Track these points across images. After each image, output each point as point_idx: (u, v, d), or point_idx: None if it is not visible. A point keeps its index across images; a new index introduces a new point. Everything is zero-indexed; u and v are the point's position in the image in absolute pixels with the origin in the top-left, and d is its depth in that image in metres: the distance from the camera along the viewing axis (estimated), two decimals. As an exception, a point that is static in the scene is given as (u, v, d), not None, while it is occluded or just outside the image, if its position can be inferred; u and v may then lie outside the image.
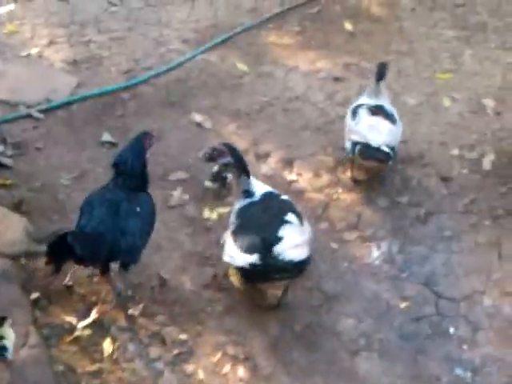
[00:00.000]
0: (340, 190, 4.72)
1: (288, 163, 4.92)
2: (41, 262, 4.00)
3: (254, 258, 3.73)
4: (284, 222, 3.87)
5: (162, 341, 3.78)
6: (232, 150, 4.13)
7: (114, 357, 3.65)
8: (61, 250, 3.60)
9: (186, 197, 4.69)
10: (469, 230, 4.43)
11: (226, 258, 3.91)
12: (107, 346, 3.68)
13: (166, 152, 5.01)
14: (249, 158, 4.92)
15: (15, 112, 5.28)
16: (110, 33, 6.18)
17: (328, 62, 5.82)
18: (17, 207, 4.37)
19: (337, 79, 5.64)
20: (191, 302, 4.01)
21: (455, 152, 4.96)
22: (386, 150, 4.49)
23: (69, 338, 3.66)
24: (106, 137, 5.11)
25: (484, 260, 4.26)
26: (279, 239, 3.78)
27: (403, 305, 4.05)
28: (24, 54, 5.87)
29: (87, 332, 3.71)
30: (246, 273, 3.82)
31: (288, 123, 5.22)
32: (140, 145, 4.09)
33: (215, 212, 4.58)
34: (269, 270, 3.77)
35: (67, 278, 3.98)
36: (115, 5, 6.53)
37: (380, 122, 4.62)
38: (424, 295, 4.10)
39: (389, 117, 4.66)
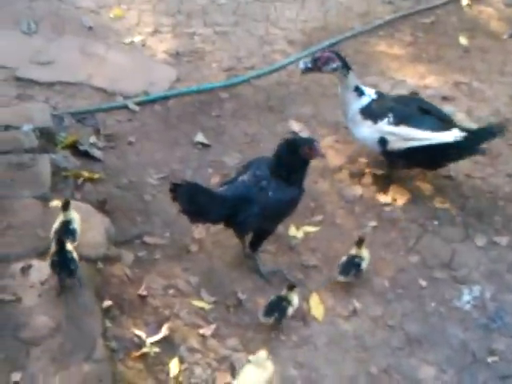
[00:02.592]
0: (436, 222, 4.45)
1: (382, 186, 4.67)
2: (118, 267, 3.91)
3: (455, 134, 4.27)
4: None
5: (231, 367, 3.63)
6: (339, 54, 4.52)
7: (180, 379, 3.52)
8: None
9: (274, 211, 4.50)
10: None
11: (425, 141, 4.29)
12: (174, 366, 3.55)
13: (257, 160, 4.83)
14: (342, 176, 4.74)
15: (111, 102, 5.20)
16: (216, 26, 6.06)
17: (438, 79, 5.53)
18: (101, 205, 4.28)
19: (445, 98, 5.35)
20: (266, 327, 3.84)
21: None
22: None
23: (136, 354, 3.54)
24: (200, 137, 4.99)
25: None
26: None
27: (491, 359, 3.79)
28: (127, 41, 5.80)
29: (155, 349, 3.58)
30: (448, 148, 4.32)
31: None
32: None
33: (301, 230, 4.39)
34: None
35: (142, 288, 3.87)
36: (224, -4, 6.39)
37: None
38: (514, 351, 3.82)
39: None
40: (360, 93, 4.58)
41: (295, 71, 5.54)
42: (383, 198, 4.60)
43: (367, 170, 4.74)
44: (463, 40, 5.93)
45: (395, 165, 4.60)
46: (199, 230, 4.28)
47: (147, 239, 4.20)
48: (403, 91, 5.35)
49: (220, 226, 4.11)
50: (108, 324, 3.62)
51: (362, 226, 4.42)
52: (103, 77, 5.38)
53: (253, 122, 5.15)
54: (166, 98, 5.27)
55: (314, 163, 4.73)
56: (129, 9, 6.14)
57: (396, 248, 4.32)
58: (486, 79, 5.53)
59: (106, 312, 3.68)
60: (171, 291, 3.93)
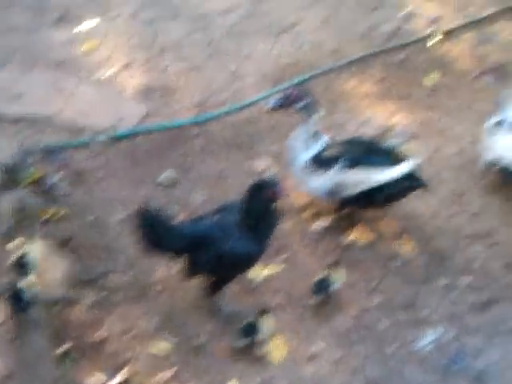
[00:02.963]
0: (399, 263, 4.47)
1: (346, 225, 4.69)
2: (78, 309, 3.90)
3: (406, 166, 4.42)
4: None
5: (190, 410, 3.62)
6: (309, 92, 4.51)
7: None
8: None
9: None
10: (531, 325, 4.14)
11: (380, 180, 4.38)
12: (132, 410, 3.54)
13: (223, 197, 4.83)
14: (306, 214, 4.76)
15: (80, 137, 5.21)
16: (188, 61, 6.08)
17: (406, 117, 5.57)
18: (64, 243, 4.29)
19: (413, 136, 5.38)
20: (225, 370, 3.84)
21: (527, 234, 4.65)
22: None
23: (93, 398, 3.54)
24: (167, 174, 4.99)
25: (544, 362, 3.96)
26: None
27: (449, 402, 3.80)
28: (98, 75, 5.81)
29: (114, 393, 3.58)
30: None
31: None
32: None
33: (265, 270, 4.40)
34: None
35: (102, 330, 3.87)
36: (198, 31, 6.41)
37: None
38: (474, 393, 3.83)
39: None
40: (314, 141, 4.56)
41: (265, 108, 5.57)
42: (347, 238, 4.61)
43: (331, 209, 4.75)
44: (432, 78, 5.97)
45: (349, 207, 4.63)
46: (162, 270, 4.28)
47: (110, 278, 4.20)
48: (371, 129, 5.38)
49: (182, 267, 4.11)
50: (66, 368, 3.60)
51: (326, 266, 4.41)
52: (72, 112, 5.40)
53: (221, 158, 5.17)
54: (134, 135, 5.28)
55: (278, 201, 4.77)
56: (101, 42, 6.16)
57: (359, 288, 4.33)
58: (454, 117, 5.57)
59: (65, 355, 3.67)
60: (132, 333, 3.92)
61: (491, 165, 4.82)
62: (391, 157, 4.55)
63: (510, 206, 4.84)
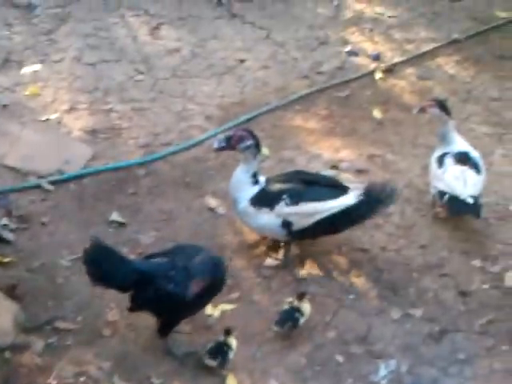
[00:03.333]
0: (352, 296, 4.47)
1: (299, 261, 4.68)
2: (27, 355, 3.80)
3: (354, 195, 4.51)
4: None
5: None
6: (252, 133, 4.49)
7: None
8: None
9: (190, 289, 4.46)
10: (485, 354, 4.15)
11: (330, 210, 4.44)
12: None
13: (173, 237, 4.82)
14: (258, 251, 4.74)
15: (24, 182, 5.13)
16: (133, 102, 6.05)
17: (352, 152, 5.62)
18: (10, 290, 4.19)
19: (359, 171, 5.41)
20: (180, 412, 3.77)
21: (477, 263, 4.70)
22: (472, 201, 4.66)
23: None
24: (115, 216, 4.94)
25: (498, 390, 3.97)
26: None
27: (407, 434, 3.78)
28: (43, 119, 5.75)
29: None
30: None
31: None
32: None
33: (218, 309, 4.35)
34: None
35: (52, 376, 3.77)
36: (141, 73, 6.41)
37: (466, 171, 4.77)
38: (430, 425, 3.82)
39: (475, 166, 4.84)
40: (255, 181, 4.56)
41: (212, 147, 5.57)
42: (300, 273, 4.60)
43: (283, 245, 4.74)
44: (377, 113, 6.05)
45: (298, 240, 4.63)
46: (112, 313, 4.21)
47: (59, 324, 4.13)
48: (319, 165, 5.41)
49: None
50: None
51: (280, 302, 4.39)
52: (17, 156, 5.32)
53: (169, 198, 5.13)
54: (81, 177, 5.22)
55: (229, 239, 4.77)
56: (45, 86, 6.10)
57: (313, 323, 4.31)
58: (399, 151, 5.63)
59: (14, 403, 3.57)
60: (82, 378, 3.84)
61: (439, 197, 4.86)
62: (335, 188, 4.59)
63: (457, 237, 4.89)
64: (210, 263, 3.93)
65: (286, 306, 4.20)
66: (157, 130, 5.77)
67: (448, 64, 6.67)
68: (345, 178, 5.00)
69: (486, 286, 4.54)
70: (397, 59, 6.67)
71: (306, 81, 6.39)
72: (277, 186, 4.56)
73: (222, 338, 4.00)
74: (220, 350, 3.98)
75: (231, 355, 3.97)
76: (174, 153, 5.52)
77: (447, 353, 4.16)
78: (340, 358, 4.13)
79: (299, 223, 4.48)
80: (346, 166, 5.45)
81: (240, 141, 4.55)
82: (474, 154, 5.00)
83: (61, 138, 5.59)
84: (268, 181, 4.63)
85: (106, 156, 5.46)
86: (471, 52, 6.80)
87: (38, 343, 3.94)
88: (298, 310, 4.16)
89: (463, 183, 4.78)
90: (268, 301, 4.43)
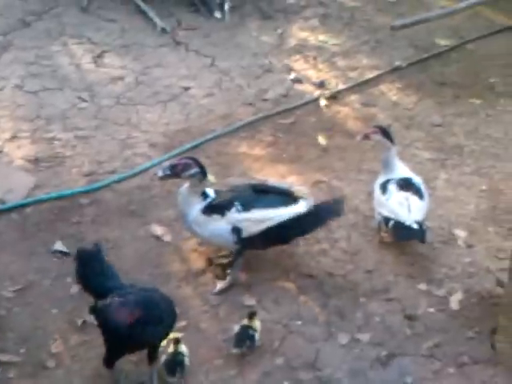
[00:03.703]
0: (299, 322, 4.45)
1: (246, 288, 4.65)
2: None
3: (305, 204, 4.60)
4: None
5: None
6: (197, 160, 4.56)
7: None
8: None
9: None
10: (432, 377, 4.16)
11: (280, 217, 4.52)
12: None
13: (119, 265, 4.68)
14: (206, 279, 4.71)
15: (-35, 212, 5.03)
16: (76, 131, 6.01)
17: (298, 178, 5.63)
18: (-49, 323, 4.07)
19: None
20: None
21: (423, 287, 4.72)
22: (417, 227, 4.71)
23: None
24: (59, 245, 4.86)
25: (446, 413, 3.98)
26: None
27: None
28: (-17, 148, 5.65)
29: None
30: None
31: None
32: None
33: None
34: None
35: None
36: (85, 101, 6.37)
37: (410, 197, 4.82)
38: None
39: (418, 191, 4.89)
40: (205, 197, 4.63)
41: (157, 174, 5.53)
42: (247, 300, 4.58)
43: (229, 272, 4.71)
44: (322, 139, 6.09)
45: (249, 249, 4.65)
46: (56, 345, 4.13)
47: (1, 357, 4.02)
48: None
49: (77, 340, 3.98)
50: None
51: (227, 330, 4.35)
52: (-43, 187, 5.21)
53: (114, 227, 5.08)
54: (23, 206, 5.14)
55: (176, 267, 4.73)
56: (-14, 115, 6.01)
57: (261, 350, 4.28)
58: (344, 177, 5.67)
59: None
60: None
61: (384, 223, 4.90)
62: (286, 196, 4.65)
63: (403, 261, 4.92)
64: (148, 297, 3.87)
65: (237, 328, 4.21)
66: (101, 158, 5.73)
67: (391, 91, 6.76)
68: (298, 189, 5.01)
69: (431, 310, 4.56)
70: (341, 86, 6.75)
71: (251, 108, 6.42)
72: (228, 195, 4.64)
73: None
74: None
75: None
76: (118, 181, 5.47)
77: (395, 377, 4.16)
78: (288, 385, 4.10)
79: (249, 230, 4.52)
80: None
81: (185, 169, 4.57)
82: (416, 179, 5.06)
83: (2, 167, 5.51)
84: (218, 192, 4.70)
85: (48, 185, 5.40)
86: (413, 79, 6.91)
87: (-20, 377, 3.83)
88: (250, 327, 4.20)
89: (407, 209, 4.82)
90: (215, 329, 4.39)
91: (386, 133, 5.09)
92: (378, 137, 5.08)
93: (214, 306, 4.54)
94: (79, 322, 4.31)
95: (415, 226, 4.75)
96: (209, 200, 4.62)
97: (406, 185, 4.95)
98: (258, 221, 4.54)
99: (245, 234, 4.54)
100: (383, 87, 6.79)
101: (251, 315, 4.24)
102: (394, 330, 4.42)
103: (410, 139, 6.20)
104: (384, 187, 4.96)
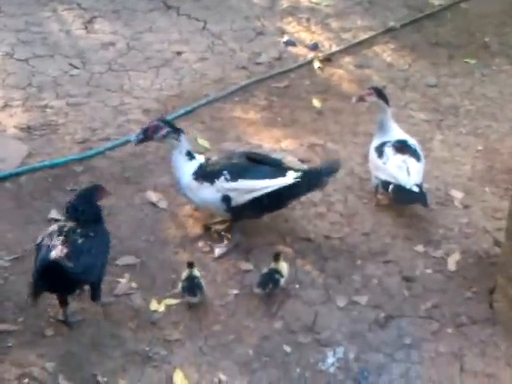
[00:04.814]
0: (297, 286, 4.45)
1: (244, 253, 4.64)
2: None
3: (292, 176, 4.56)
4: None
5: None
6: (165, 120, 4.60)
7: None
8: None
9: (134, 285, 4.40)
10: (430, 337, 4.17)
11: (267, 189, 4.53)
12: None
13: (115, 233, 4.71)
14: (202, 244, 4.69)
15: (-41, 182, 4.99)
16: (69, 98, 5.95)
17: (293, 142, 5.60)
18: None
19: (300, 161, 5.39)
20: (128, 409, 3.70)
21: (420, 248, 4.72)
22: (418, 190, 4.71)
23: None
24: (54, 213, 4.82)
25: (445, 373, 3.99)
26: None
27: (356, 421, 3.77)
28: (-25, 117, 5.59)
29: None
30: None
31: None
32: (91, 196, 4.18)
33: (163, 304, 4.29)
34: None
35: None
36: (76, 67, 6.31)
37: (408, 160, 4.81)
38: (379, 411, 3.82)
39: (415, 154, 4.88)
40: (190, 157, 4.63)
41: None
42: (244, 265, 4.56)
43: (227, 236, 4.70)
44: (316, 102, 6.05)
45: (241, 218, 4.67)
46: (55, 312, 4.11)
47: (-1, 326, 4.01)
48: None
49: (76, 306, 3.99)
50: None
51: (224, 295, 4.35)
52: (-50, 155, 5.17)
53: (109, 194, 5.02)
54: (17, 175, 5.09)
55: (172, 233, 4.71)
56: (-24, 84, 5.95)
57: (259, 315, 4.28)
58: (339, 140, 5.64)
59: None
60: (26, 380, 3.74)
61: (383, 187, 4.87)
62: (276, 167, 4.65)
63: (400, 223, 4.91)
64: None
65: (265, 270, 4.28)
66: (94, 125, 5.68)
67: (385, 52, 6.71)
68: (290, 160, 4.98)
69: (429, 271, 4.56)
70: (334, 48, 6.70)
71: (244, 72, 6.36)
72: (218, 163, 4.65)
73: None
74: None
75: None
76: (112, 148, 5.42)
77: (393, 338, 4.17)
78: (287, 348, 4.10)
79: (237, 199, 4.55)
80: (287, 156, 5.40)
81: (156, 131, 4.59)
82: (412, 141, 5.02)
83: (-5, 136, 5.45)
84: (208, 159, 4.71)
85: (42, 153, 5.35)
86: (407, 40, 6.87)
87: (-22, 346, 3.82)
88: (276, 271, 4.27)
89: (406, 172, 4.79)
90: (213, 294, 4.38)
91: (381, 94, 5.05)
92: (373, 98, 5.03)
93: (212, 271, 4.52)
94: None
95: (416, 189, 4.72)
96: (198, 164, 4.63)
97: (402, 147, 4.91)
98: (244, 191, 4.54)
99: (233, 203, 4.55)
100: (377, 48, 6.74)
101: (276, 256, 4.30)
102: (392, 292, 4.42)
103: (405, 100, 6.17)
104: (380, 150, 4.93)
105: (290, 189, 4.57)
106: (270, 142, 5.57)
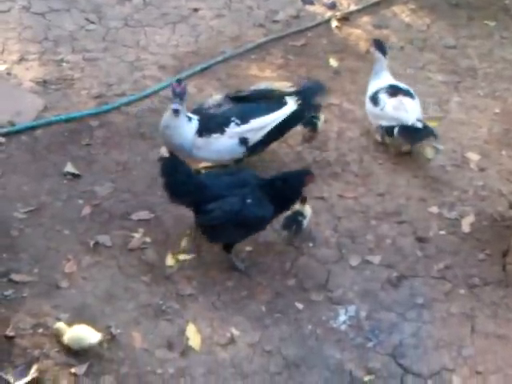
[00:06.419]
0: (311, 244, 4.46)
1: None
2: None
3: (293, 102, 4.81)
4: None
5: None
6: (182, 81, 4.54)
7: (51, 421, 3.37)
8: None
9: (148, 239, 4.42)
10: (442, 298, 4.18)
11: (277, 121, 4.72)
12: (45, 409, 3.40)
13: (129, 188, 4.75)
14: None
15: (-25, 134, 5.00)
16: (85, 52, 5.92)
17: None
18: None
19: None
20: (141, 361, 3.74)
21: (434, 210, 4.71)
22: (422, 125, 4.86)
23: (3, 400, 3.38)
24: (69, 167, 4.84)
25: (456, 333, 4.01)
26: None
27: (367, 378, 3.81)
28: (-8, 69, 5.59)
29: (24, 393, 3.43)
30: None
31: (262, 166, 4.94)
32: (301, 180, 4.30)
33: (177, 259, 4.31)
34: None
35: (9, 328, 3.71)
36: (93, 22, 6.27)
37: (403, 99, 4.96)
38: (390, 368, 3.85)
39: (408, 93, 5.03)
40: (189, 118, 4.60)
41: (167, 97, 5.47)
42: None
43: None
44: (333, 62, 6.01)
45: (254, 155, 4.80)
46: (69, 265, 4.15)
47: (14, 277, 4.05)
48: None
49: (90, 261, 4.01)
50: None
51: (238, 252, 4.36)
52: (-34, 107, 5.17)
53: (124, 149, 5.04)
54: (33, 128, 5.10)
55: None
56: (-7, 36, 5.93)
57: (272, 272, 4.30)
58: (355, 100, 5.60)
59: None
60: (40, 330, 3.78)
61: (388, 133, 4.96)
62: (272, 99, 4.81)
63: (415, 184, 4.91)
64: None
65: (289, 212, 4.39)
66: (110, 81, 5.66)
67: (404, 12, 6.65)
68: (278, 85, 4.99)
69: (443, 232, 4.56)
70: (352, 7, 6.63)
71: (261, 30, 6.32)
72: (217, 112, 4.68)
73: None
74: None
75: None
76: (127, 103, 5.41)
77: (405, 298, 4.19)
78: (300, 305, 4.13)
79: (254, 138, 4.66)
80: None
81: (185, 92, 4.55)
82: (403, 85, 5.14)
83: (11, 89, 5.44)
84: (199, 111, 4.69)
85: (58, 107, 5.34)
86: (426, 0, 6.79)
87: (-6, 296, 3.87)
88: (300, 213, 4.38)
89: (405, 111, 4.92)
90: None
91: (379, 45, 5.18)
92: (372, 49, 5.18)
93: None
94: (91, 243, 4.32)
95: (420, 125, 4.84)
96: (197, 122, 4.60)
97: (395, 91, 5.04)
98: (258, 129, 4.65)
99: (251, 142, 4.66)
100: (396, 9, 6.68)
101: (303, 199, 4.39)
102: (405, 252, 4.43)
103: (423, 62, 6.12)
104: (375, 98, 5.04)
105: (295, 113, 4.75)
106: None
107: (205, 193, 4.11)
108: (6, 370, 3.52)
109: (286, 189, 4.21)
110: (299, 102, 4.77)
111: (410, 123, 4.84)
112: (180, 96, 4.48)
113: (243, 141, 4.63)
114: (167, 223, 4.52)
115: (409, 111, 4.89)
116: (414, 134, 4.87)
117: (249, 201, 4.09)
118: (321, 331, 4.02)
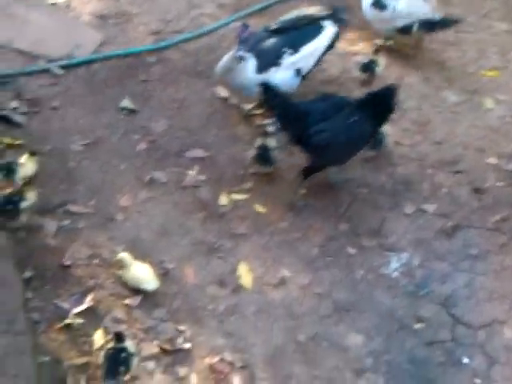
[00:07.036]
0: (366, 190, 4.43)
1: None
2: (40, 236, 3.79)
3: (333, 24, 4.92)
4: None
5: (157, 337, 3.56)
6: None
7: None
8: None
9: (202, 178, 4.43)
10: (497, 250, 4.14)
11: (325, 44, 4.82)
12: (98, 338, 3.47)
13: (185, 125, 4.75)
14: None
15: (34, 65, 5.01)
16: (143, -12, 5.86)
17: (367, 45, 5.46)
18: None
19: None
20: (193, 296, 3.79)
21: (492, 161, 4.64)
22: (439, 17, 5.12)
23: (59, 325, 3.45)
24: (126, 102, 4.85)
25: (509, 286, 3.98)
26: None
27: (417, 326, 3.80)
28: (50, 2, 5.57)
29: (79, 320, 3.50)
30: None
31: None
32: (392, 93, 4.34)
33: (231, 198, 4.32)
34: None
35: (66, 257, 3.77)
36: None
37: None
38: (440, 318, 3.84)
39: None
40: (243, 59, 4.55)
41: (225, 36, 5.43)
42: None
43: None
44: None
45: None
46: (125, 198, 4.19)
47: (71, 208, 4.10)
48: (333, 57, 5.26)
49: (145, 195, 4.05)
50: (29, 295, 3.51)
51: (293, 193, 4.35)
52: (25, 39, 5.17)
53: (181, 87, 5.03)
54: (91, 62, 5.10)
55: (242, 129, 4.70)
56: (53, -32, 5.90)
57: (326, 215, 4.29)
58: (416, 46, 5.49)
59: (28, 283, 3.58)
60: (96, 261, 3.84)
61: (405, 32, 5.16)
62: (311, 25, 4.84)
63: (473, 134, 4.84)
64: None
65: (365, 60, 5.01)
66: (168, 17, 5.62)
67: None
68: (311, 10, 4.99)
69: (500, 184, 4.50)
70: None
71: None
72: (266, 46, 4.67)
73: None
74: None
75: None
76: (185, 40, 5.38)
77: (459, 248, 4.15)
78: (352, 250, 4.12)
79: (306, 66, 4.72)
80: (362, 59, 5.28)
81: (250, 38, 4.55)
82: None
83: (70, 23, 5.44)
84: (251, 49, 4.59)
85: (116, 42, 5.33)
86: None
87: (52, 225, 3.92)
88: (374, 62, 4.96)
89: (419, 3, 5.07)
90: (280, 192, 4.39)
91: None
92: None
93: (281, 168, 4.51)
94: (146, 178, 4.34)
95: (437, 17, 5.06)
96: (253, 59, 4.57)
97: None
98: (309, 55, 4.71)
99: (303, 71, 4.70)
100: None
101: (376, 51, 4.92)
102: (461, 202, 4.39)
103: (486, 9, 5.98)
104: (380, 4, 5.14)
105: (336, 36, 4.86)
106: (344, 43, 5.44)
107: (308, 117, 4.17)
108: (61, 297, 3.58)
109: (383, 103, 4.27)
110: (337, 23, 4.85)
111: (428, 16, 5.02)
112: (246, 42, 4.45)
113: (298, 71, 4.66)
114: (221, 162, 4.52)
115: (421, 5, 5.05)
116: (433, 25, 5.08)
117: (355, 118, 4.17)
118: (372, 277, 4.01)
